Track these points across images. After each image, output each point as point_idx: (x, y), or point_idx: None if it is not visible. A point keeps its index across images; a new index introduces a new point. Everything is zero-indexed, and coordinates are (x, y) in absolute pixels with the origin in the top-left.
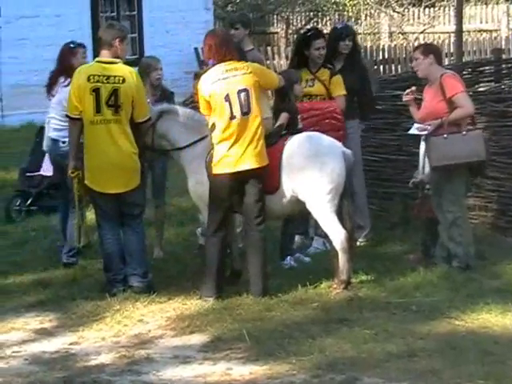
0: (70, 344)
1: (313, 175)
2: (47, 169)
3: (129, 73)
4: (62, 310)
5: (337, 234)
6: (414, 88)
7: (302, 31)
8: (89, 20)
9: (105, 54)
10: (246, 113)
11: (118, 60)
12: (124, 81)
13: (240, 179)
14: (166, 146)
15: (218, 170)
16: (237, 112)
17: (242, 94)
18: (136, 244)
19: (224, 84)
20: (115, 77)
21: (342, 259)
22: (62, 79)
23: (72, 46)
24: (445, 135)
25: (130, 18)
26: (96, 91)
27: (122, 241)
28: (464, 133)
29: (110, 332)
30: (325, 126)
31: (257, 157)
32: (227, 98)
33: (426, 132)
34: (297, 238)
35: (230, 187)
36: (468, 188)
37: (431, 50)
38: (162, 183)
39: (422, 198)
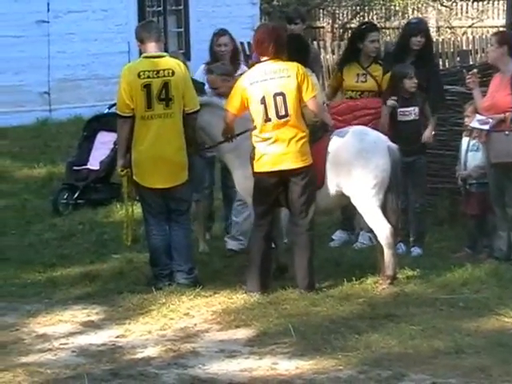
0: (117, 337)
1: (357, 170)
2: (94, 163)
3: (177, 65)
4: (109, 303)
5: (382, 228)
6: (475, 70)
7: (353, 25)
8: (135, 15)
9: (152, 48)
10: (282, 116)
11: (164, 53)
12: (173, 73)
13: (280, 177)
14: (207, 140)
15: (257, 168)
16: (272, 115)
17: (278, 98)
18: (182, 240)
19: (262, 86)
20: (164, 70)
21: (388, 254)
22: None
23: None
24: (506, 132)
25: (177, 12)
26: (147, 87)
27: (169, 236)
28: None
29: (156, 325)
30: (378, 125)
31: (297, 157)
32: (263, 101)
33: (487, 126)
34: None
35: (270, 185)
36: None
37: (506, 40)
38: (201, 177)
39: (466, 195)
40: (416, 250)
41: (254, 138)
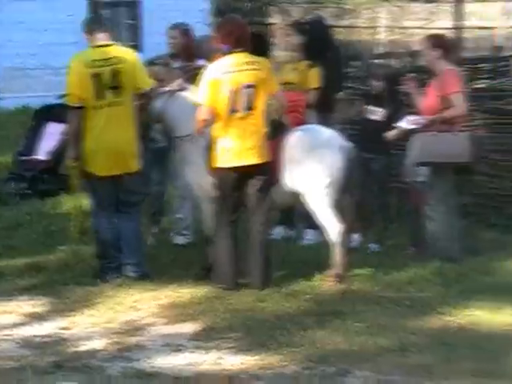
0: (62, 329)
1: (311, 168)
2: (42, 153)
3: (125, 52)
4: (55, 295)
5: (333, 227)
6: (411, 75)
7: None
8: (86, 5)
9: (101, 38)
10: (249, 108)
11: (112, 42)
12: (123, 61)
13: (242, 173)
14: (161, 132)
15: (220, 163)
16: (240, 106)
17: (248, 90)
18: (132, 233)
19: (232, 77)
20: (113, 58)
21: (338, 253)
22: None
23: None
24: (433, 132)
25: (129, 4)
26: (96, 76)
27: (117, 229)
28: (452, 133)
29: (101, 318)
30: (290, 119)
31: (260, 152)
32: (232, 92)
33: (414, 126)
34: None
35: (233, 180)
36: (459, 186)
37: (440, 43)
38: (147, 172)
39: (407, 190)
40: (373, 246)
41: (216, 132)
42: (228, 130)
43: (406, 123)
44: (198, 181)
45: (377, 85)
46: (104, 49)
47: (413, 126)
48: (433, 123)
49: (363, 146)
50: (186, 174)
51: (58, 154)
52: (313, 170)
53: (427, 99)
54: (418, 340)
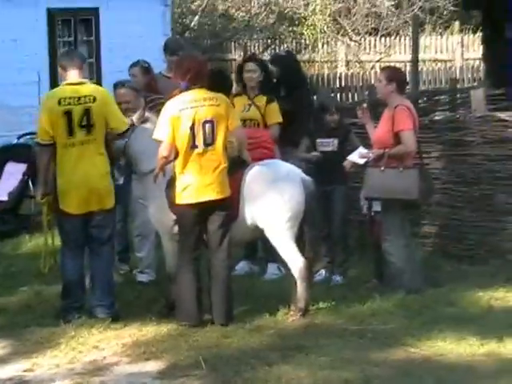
0: (24, 371)
1: (271, 203)
2: (2, 193)
3: (98, 90)
4: (16, 337)
5: (295, 262)
6: (364, 105)
7: (264, 58)
8: (46, 44)
9: (74, 75)
10: (208, 144)
11: (85, 80)
12: (95, 99)
13: (203, 209)
14: (131, 166)
15: (181, 200)
16: (199, 142)
17: (207, 125)
18: (103, 273)
19: (192, 113)
20: (85, 96)
21: (301, 287)
22: None
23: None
24: (382, 168)
25: (88, 42)
26: (68, 114)
27: (83, 269)
28: (401, 169)
29: (64, 359)
30: (255, 155)
31: (220, 188)
32: (192, 128)
33: (364, 160)
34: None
35: (194, 216)
36: (415, 217)
37: (395, 77)
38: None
39: (369, 222)
40: (336, 278)
41: (177, 168)
42: (188, 165)
43: (356, 156)
44: (160, 217)
45: (331, 119)
46: (76, 87)
47: (363, 160)
48: (382, 158)
49: (322, 178)
50: (148, 209)
51: (18, 195)
52: (273, 205)
53: (379, 132)
54: (382, 372)
